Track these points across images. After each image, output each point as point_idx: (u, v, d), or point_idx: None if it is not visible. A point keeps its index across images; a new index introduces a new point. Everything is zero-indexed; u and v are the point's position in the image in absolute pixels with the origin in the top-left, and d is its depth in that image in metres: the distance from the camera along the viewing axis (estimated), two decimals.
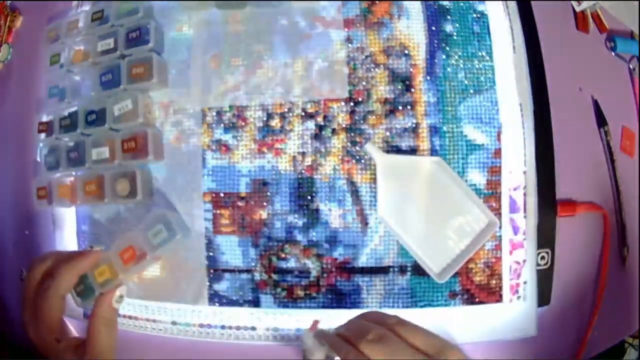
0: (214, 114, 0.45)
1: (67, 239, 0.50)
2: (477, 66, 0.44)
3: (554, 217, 0.44)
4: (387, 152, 0.43)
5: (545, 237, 0.44)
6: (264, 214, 0.44)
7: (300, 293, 0.43)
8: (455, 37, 0.44)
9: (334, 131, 0.43)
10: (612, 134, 0.47)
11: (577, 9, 0.49)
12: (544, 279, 0.44)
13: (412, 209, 0.42)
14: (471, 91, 0.44)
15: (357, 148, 0.43)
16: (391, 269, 0.43)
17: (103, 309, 0.36)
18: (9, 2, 0.55)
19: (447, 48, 0.44)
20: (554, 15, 0.48)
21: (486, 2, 0.45)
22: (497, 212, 0.43)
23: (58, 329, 0.36)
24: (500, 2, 0.46)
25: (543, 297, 0.44)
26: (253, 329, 0.44)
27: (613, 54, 0.50)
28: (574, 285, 0.46)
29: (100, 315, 0.36)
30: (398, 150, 0.43)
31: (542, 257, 0.44)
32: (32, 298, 0.36)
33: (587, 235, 0.46)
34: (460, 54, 0.44)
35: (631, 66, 0.50)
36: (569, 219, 0.45)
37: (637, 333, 0.51)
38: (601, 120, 0.47)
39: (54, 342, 0.36)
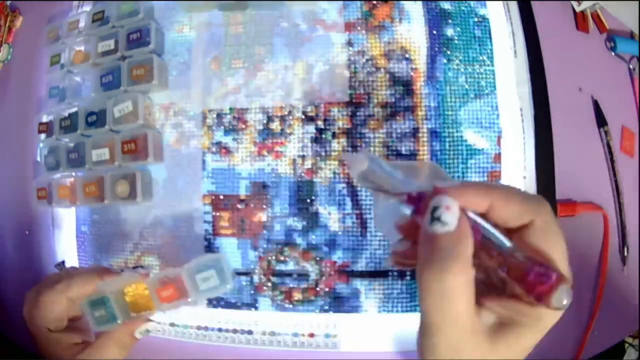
0: (215, 116, 0.45)
1: (67, 240, 0.50)
2: (478, 70, 0.44)
3: None
4: (387, 156, 0.43)
5: None
6: (263, 217, 0.44)
7: (299, 296, 0.43)
8: (456, 41, 0.44)
9: (334, 135, 0.43)
10: (612, 134, 0.47)
11: (577, 9, 0.49)
12: None
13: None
14: (472, 95, 0.44)
15: (358, 152, 0.43)
16: (390, 273, 0.43)
17: (123, 335, 0.35)
18: (9, 2, 0.55)
19: (448, 52, 0.44)
20: (554, 16, 0.48)
21: (488, 6, 0.45)
22: None
23: (52, 322, 0.36)
24: (502, 4, 0.46)
25: None
26: (250, 332, 0.44)
27: (613, 54, 0.50)
28: (574, 285, 0.46)
29: (119, 339, 0.35)
30: (398, 155, 0.43)
31: None
32: (42, 284, 0.36)
33: (587, 235, 0.47)
34: (461, 58, 0.44)
35: (631, 66, 0.50)
36: (569, 219, 0.45)
37: (637, 333, 0.51)
38: (601, 120, 0.47)
39: (45, 330, 0.36)
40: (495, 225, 0.22)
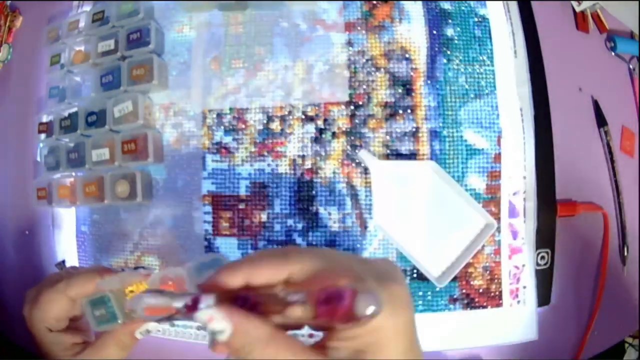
0: (214, 116, 0.45)
1: (67, 240, 0.50)
2: (478, 70, 0.44)
3: (554, 217, 0.44)
4: (387, 156, 0.43)
5: (545, 237, 0.44)
6: (263, 217, 0.44)
7: None
8: (456, 41, 0.44)
9: (334, 134, 0.43)
10: (612, 134, 0.47)
11: (577, 9, 0.49)
12: (544, 278, 0.44)
13: (409, 214, 0.42)
14: (472, 95, 0.44)
15: (357, 151, 0.43)
16: None
17: (123, 335, 0.35)
18: (9, 2, 0.55)
19: (448, 52, 0.44)
20: (554, 16, 0.48)
21: (488, 6, 0.45)
22: (497, 216, 0.43)
23: (52, 321, 0.36)
24: (502, 4, 0.46)
25: (543, 297, 0.44)
26: None
27: (613, 54, 0.50)
28: (574, 285, 0.46)
29: (119, 339, 0.35)
30: (398, 154, 0.43)
31: (542, 257, 0.44)
32: (42, 284, 0.36)
33: (587, 235, 0.47)
34: (461, 58, 0.44)
35: (631, 66, 0.50)
36: (569, 219, 0.45)
37: (637, 333, 0.51)
38: (601, 120, 0.47)
39: (45, 330, 0.35)
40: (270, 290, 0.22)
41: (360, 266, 0.23)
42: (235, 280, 0.23)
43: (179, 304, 0.22)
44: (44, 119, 0.49)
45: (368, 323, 0.20)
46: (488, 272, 0.43)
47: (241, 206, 0.44)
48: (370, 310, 0.19)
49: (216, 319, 0.21)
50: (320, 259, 0.23)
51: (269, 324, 0.21)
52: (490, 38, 0.45)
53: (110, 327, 0.35)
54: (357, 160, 0.43)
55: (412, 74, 0.44)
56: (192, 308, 0.22)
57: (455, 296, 0.43)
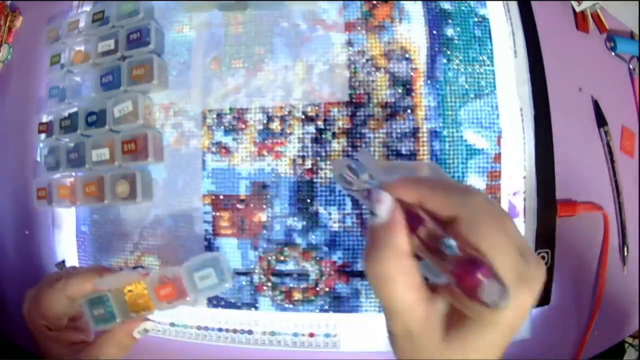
0: (214, 116, 0.45)
1: (67, 240, 0.50)
2: (478, 70, 0.44)
3: (554, 217, 0.44)
4: (387, 156, 0.43)
5: (545, 237, 0.44)
6: (263, 217, 0.44)
7: (299, 296, 0.43)
8: (456, 41, 0.44)
9: (334, 135, 0.43)
10: (612, 134, 0.47)
11: (577, 9, 0.49)
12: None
13: None
14: (472, 95, 0.44)
15: (357, 152, 0.43)
16: None
17: (121, 334, 0.35)
18: (9, 2, 0.55)
19: (448, 52, 0.44)
20: (554, 16, 0.48)
21: (488, 6, 0.45)
22: None
23: (50, 320, 0.36)
24: (502, 4, 0.46)
25: (543, 296, 0.44)
26: (250, 332, 0.44)
27: (613, 54, 0.50)
28: (574, 285, 0.46)
29: (117, 339, 0.35)
30: (398, 154, 0.43)
31: (542, 257, 0.44)
32: (42, 283, 0.36)
33: (587, 235, 0.47)
34: (461, 58, 0.44)
35: (631, 66, 0.50)
36: (569, 219, 0.45)
37: (637, 333, 0.51)
38: (601, 120, 0.47)
39: (43, 328, 0.36)
40: (434, 219, 0.23)
41: (522, 245, 0.21)
42: (411, 195, 0.23)
43: (367, 184, 0.25)
44: (44, 119, 0.49)
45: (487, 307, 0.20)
46: None
47: (241, 206, 0.44)
48: (493, 298, 0.19)
49: (384, 204, 0.23)
50: (495, 222, 0.21)
51: (411, 243, 0.22)
52: (490, 38, 0.45)
53: (108, 326, 0.35)
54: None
55: (412, 74, 0.44)
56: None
57: None
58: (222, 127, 0.45)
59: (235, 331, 0.44)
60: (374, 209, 0.23)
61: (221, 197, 0.44)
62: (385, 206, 0.23)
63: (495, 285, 0.19)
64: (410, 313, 0.22)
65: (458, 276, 0.20)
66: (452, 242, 0.21)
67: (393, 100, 0.43)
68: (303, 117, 0.44)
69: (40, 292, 0.36)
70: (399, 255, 0.22)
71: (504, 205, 0.43)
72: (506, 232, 0.21)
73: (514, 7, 0.46)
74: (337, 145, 0.43)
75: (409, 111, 0.43)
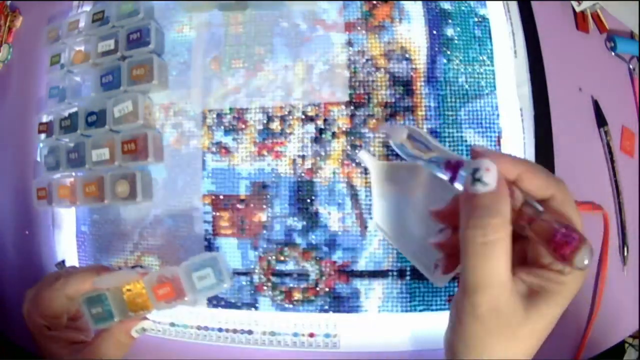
0: (214, 116, 0.45)
1: (67, 240, 0.50)
2: (478, 70, 0.44)
3: None
4: (387, 156, 0.43)
5: None
6: (263, 217, 0.44)
7: (299, 296, 0.43)
8: (456, 41, 0.44)
9: (334, 135, 0.43)
10: (612, 134, 0.47)
11: (577, 9, 0.49)
12: None
13: (409, 214, 0.42)
14: (472, 95, 0.44)
15: (357, 152, 0.43)
16: (390, 273, 0.43)
17: (120, 333, 0.35)
18: (9, 2, 0.55)
19: (448, 52, 0.44)
20: (554, 16, 0.48)
21: (488, 6, 0.45)
22: None
23: (50, 319, 0.36)
24: (502, 4, 0.46)
25: None
26: (250, 332, 0.44)
27: (613, 54, 0.50)
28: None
29: (116, 338, 0.35)
30: (398, 155, 0.43)
31: None
32: (41, 283, 0.36)
33: (587, 235, 0.46)
34: (461, 58, 0.44)
35: (631, 66, 0.50)
36: None
37: (637, 333, 0.51)
38: (601, 120, 0.47)
39: (43, 327, 0.36)
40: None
41: None
42: (513, 170, 0.24)
43: (436, 152, 0.26)
44: (44, 119, 0.49)
45: (574, 277, 0.23)
46: None
47: (241, 206, 0.44)
48: (585, 262, 0.22)
49: (492, 172, 0.23)
50: (576, 209, 0.24)
51: (511, 213, 0.23)
52: (490, 38, 0.45)
53: (106, 325, 0.35)
54: (357, 160, 0.43)
55: (412, 74, 0.44)
56: (453, 168, 0.25)
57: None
58: (222, 127, 0.45)
59: (235, 331, 0.44)
60: (481, 177, 0.23)
61: (221, 197, 0.44)
62: (493, 174, 0.23)
63: (587, 250, 0.22)
64: (503, 289, 0.23)
65: (557, 243, 0.22)
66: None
67: (393, 100, 0.43)
68: (303, 117, 0.44)
69: (39, 291, 0.36)
70: (506, 223, 0.22)
71: None
72: (580, 215, 0.25)
73: (514, 7, 0.46)
74: (337, 145, 0.43)
75: (409, 111, 0.43)
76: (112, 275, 0.36)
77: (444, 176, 0.26)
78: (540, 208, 0.24)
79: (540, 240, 0.23)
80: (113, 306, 0.35)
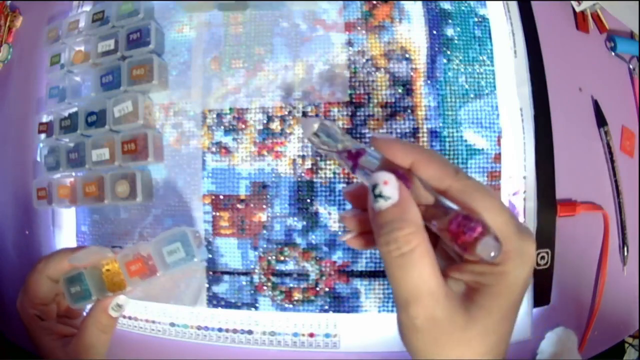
0: (214, 116, 0.45)
1: (67, 240, 0.50)
2: (477, 70, 0.44)
3: (554, 217, 0.44)
4: None
5: (545, 237, 0.44)
6: (263, 217, 0.44)
7: (299, 296, 0.43)
8: (456, 41, 0.44)
9: None
10: (612, 134, 0.47)
11: (577, 9, 0.49)
12: (544, 278, 0.44)
13: None
14: (472, 95, 0.44)
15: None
16: None
17: (98, 314, 0.36)
18: (9, 2, 0.55)
19: (448, 52, 0.44)
20: (554, 16, 0.48)
21: (488, 6, 0.45)
22: None
23: (39, 306, 0.37)
24: (502, 4, 0.46)
25: (543, 297, 0.44)
26: (250, 332, 0.44)
27: (613, 54, 0.50)
28: (574, 285, 0.46)
29: (96, 319, 0.36)
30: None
31: (542, 257, 0.44)
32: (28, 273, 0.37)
33: (587, 235, 0.47)
34: (461, 58, 0.44)
35: (631, 66, 0.50)
36: (569, 219, 0.45)
37: (637, 333, 0.51)
38: (601, 120, 0.47)
39: (35, 318, 0.37)
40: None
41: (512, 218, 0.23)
42: (405, 158, 0.23)
43: (343, 144, 0.25)
44: (44, 119, 0.49)
45: (515, 265, 0.22)
46: None
47: (241, 206, 0.44)
48: (491, 254, 0.20)
49: (391, 185, 0.22)
50: (486, 190, 0.23)
51: (421, 217, 0.22)
52: (490, 38, 0.45)
53: (85, 303, 0.36)
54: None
55: (412, 74, 0.44)
56: (354, 157, 0.24)
57: None
58: (222, 127, 0.45)
59: (235, 331, 0.44)
60: (380, 192, 0.22)
61: (221, 197, 0.44)
62: (393, 185, 0.22)
63: (489, 241, 0.20)
64: (435, 296, 0.21)
65: (453, 232, 0.21)
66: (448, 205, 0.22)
67: (393, 100, 0.43)
68: (303, 117, 0.44)
69: (26, 279, 0.37)
70: (418, 229, 0.21)
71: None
72: (497, 197, 0.23)
73: (514, 7, 0.46)
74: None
75: (409, 111, 0.43)
76: (85, 251, 0.37)
77: (347, 166, 0.25)
78: (436, 196, 0.23)
79: (440, 232, 0.22)
80: (91, 285, 0.36)
